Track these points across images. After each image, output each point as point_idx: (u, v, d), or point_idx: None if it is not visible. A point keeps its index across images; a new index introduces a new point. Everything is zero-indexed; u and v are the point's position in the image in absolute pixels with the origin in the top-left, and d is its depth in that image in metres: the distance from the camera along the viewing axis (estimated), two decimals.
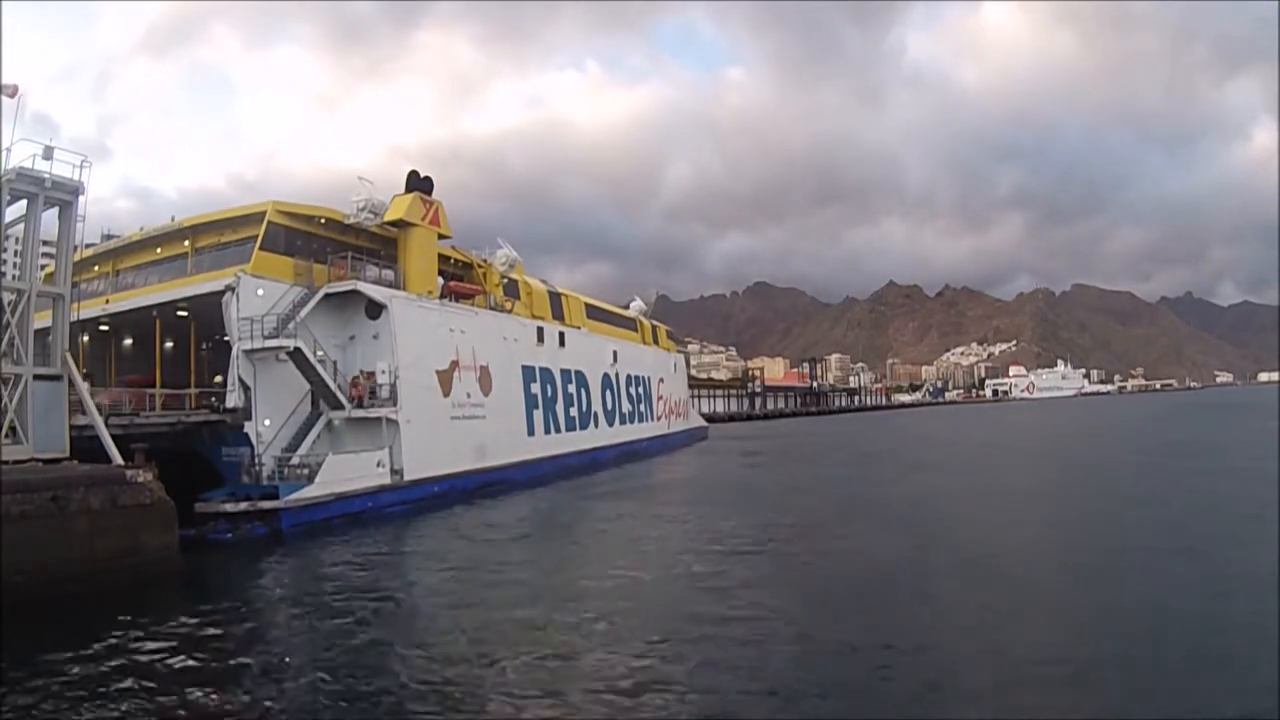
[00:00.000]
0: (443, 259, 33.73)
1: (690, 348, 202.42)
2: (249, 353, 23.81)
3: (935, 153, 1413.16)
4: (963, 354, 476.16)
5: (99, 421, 19.52)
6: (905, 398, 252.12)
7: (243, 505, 21.98)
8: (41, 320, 19.74)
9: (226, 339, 24.62)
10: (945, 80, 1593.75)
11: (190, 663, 11.12)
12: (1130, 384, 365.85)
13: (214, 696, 9.78)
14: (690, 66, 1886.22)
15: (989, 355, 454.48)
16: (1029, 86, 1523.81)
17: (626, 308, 58.99)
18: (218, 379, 26.66)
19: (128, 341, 30.73)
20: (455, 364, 30.98)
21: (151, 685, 10.19)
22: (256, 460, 23.53)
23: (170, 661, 11.15)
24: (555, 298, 43.09)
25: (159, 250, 29.02)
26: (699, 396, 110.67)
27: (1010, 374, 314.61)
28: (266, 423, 24.29)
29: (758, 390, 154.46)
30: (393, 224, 30.69)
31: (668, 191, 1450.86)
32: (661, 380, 58.83)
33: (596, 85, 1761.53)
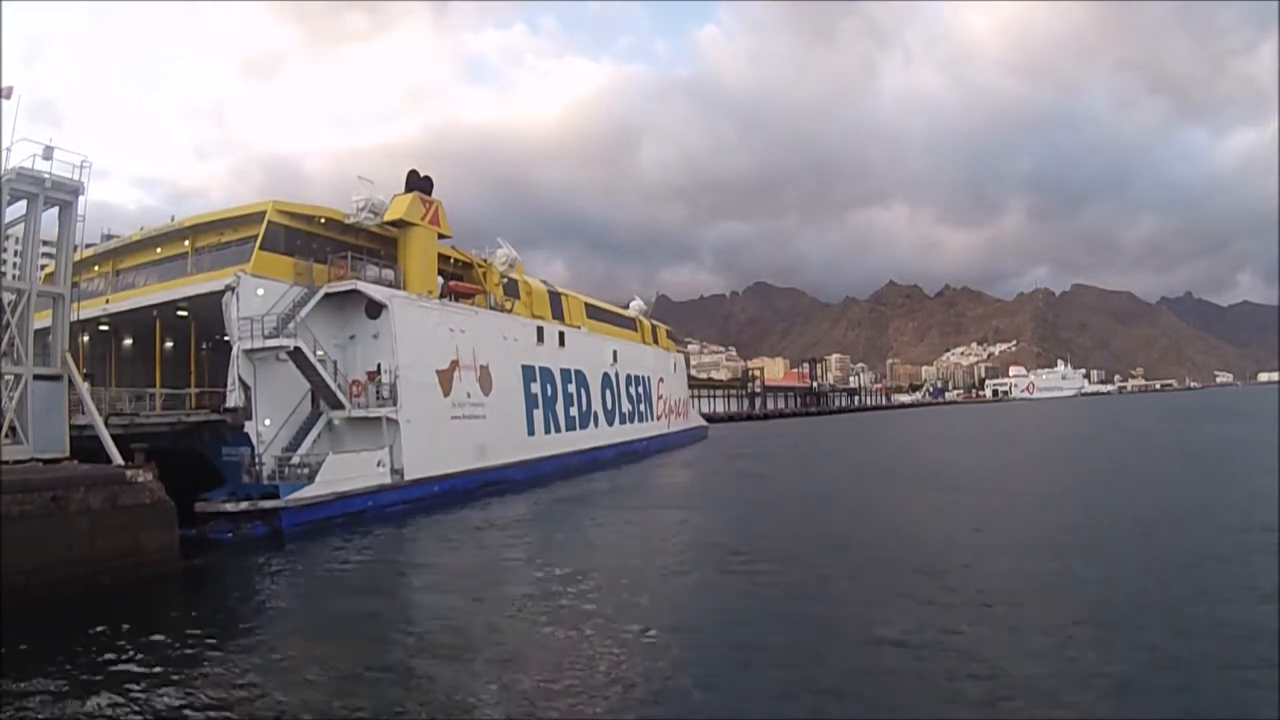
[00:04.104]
0: (443, 259, 33.72)
1: (690, 348, 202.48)
2: (249, 352, 23.79)
3: (945, 129, 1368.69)
4: (963, 354, 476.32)
5: (99, 421, 19.51)
6: (905, 398, 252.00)
7: (243, 505, 21.96)
8: (41, 320, 19.73)
9: (226, 339, 24.61)
10: (956, 27, 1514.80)
11: (190, 663, 11.10)
12: (1130, 384, 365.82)
13: (214, 697, 9.75)
14: (666, 26, 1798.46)
15: (989, 355, 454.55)
16: (1043, 42, 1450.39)
17: (626, 307, 58.99)
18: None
19: (128, 341, 30.71)
20: (455, 364, 30.97)
21: (152, 685, 10.18)
22: (257, 460, 23.50)
23: (170, 662, 11.13)
24: (555, 297, 43.07)
25: (159, 250, 29.01)
26: (699, 396, 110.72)
27: (1010, 374, 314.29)
28: (267, 422, 24.27)
29: (758, 390, 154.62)
30: (393, 224, 30.68)
31: (650, 177, 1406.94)
32: (661, 380, 58.82)
33: (552, 49, 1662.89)
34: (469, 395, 31.65)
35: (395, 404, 26.98)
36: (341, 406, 25.78)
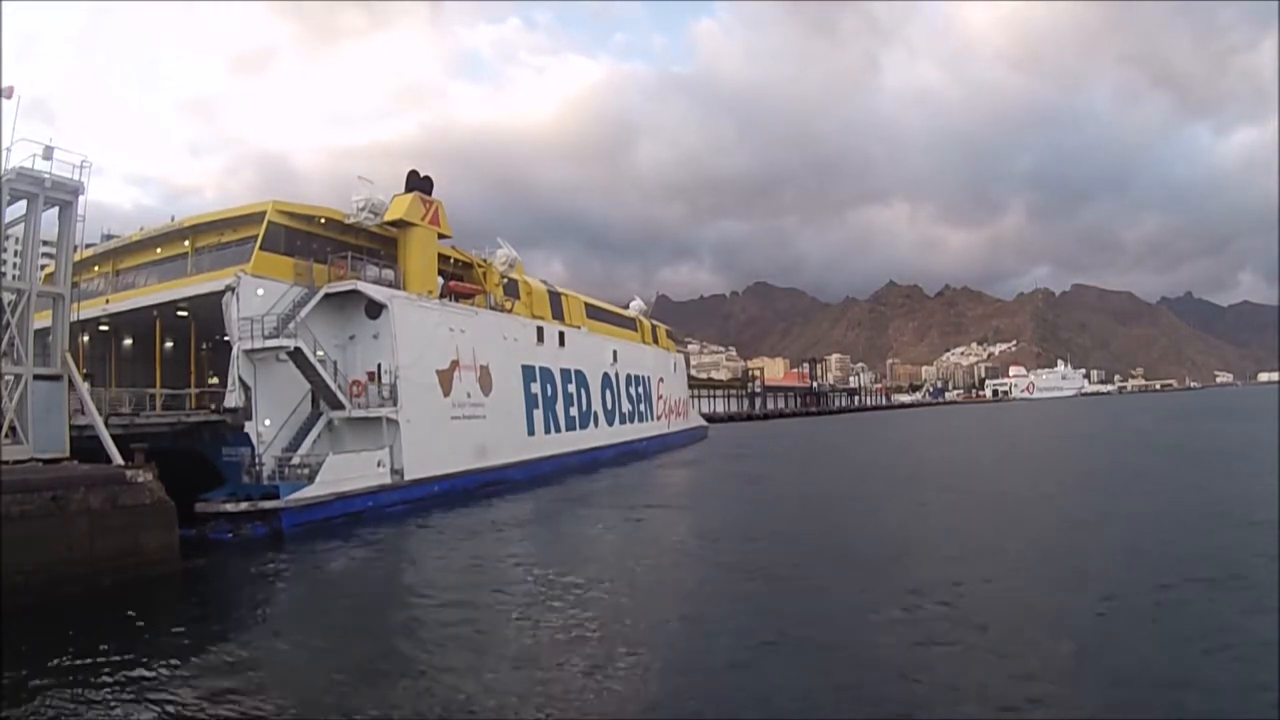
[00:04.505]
0: (443, 259, 33.72)
1: (690, 348, 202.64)
2: (249, 353, 23.78)
3: (946, 125, 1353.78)
4: (963, 354, 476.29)
5: (99, 421, 19.51)
6: (905, 398, 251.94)
7: (243, 505, 21.96)
8: (41, 320, 19.72)
9: (226, 339, 24.61)
10: (956, 21, 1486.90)
11: (190, 663, 11.10)
12: (1130, 384, 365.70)
13: (214, 697, 9.75)
14: (664, 22, 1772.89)
15: (989, 355, 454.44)
16: (1044, 37, 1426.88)
17: (626, 307, 58.99)
18: (213, 379, 26.72)
19: (128, 341, 30.72)
20: (455, 364, 30.97)
21: (151, 686, 10.19)
22: (257, 460, 23.49)
23: (170, 662, 11.13)
24: (555, 297, 43.08)
25: (159, 250, 29.01)
26: (699, 396, 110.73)
27: (1010, 374, 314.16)
28: (267, 422, 24.26)
29: (758, 390, 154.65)
30: (393, 224, 30.68)
31: (649, 176, 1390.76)
32: (661, 380, 58.81)
33: (547, 45, 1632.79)
34: (469, 395, 31.65)
35: (395, 404, 26.97)
36: (341, 406, 25.76)
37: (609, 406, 46.91)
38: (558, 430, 39.30)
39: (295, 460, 23.92)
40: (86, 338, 27.94)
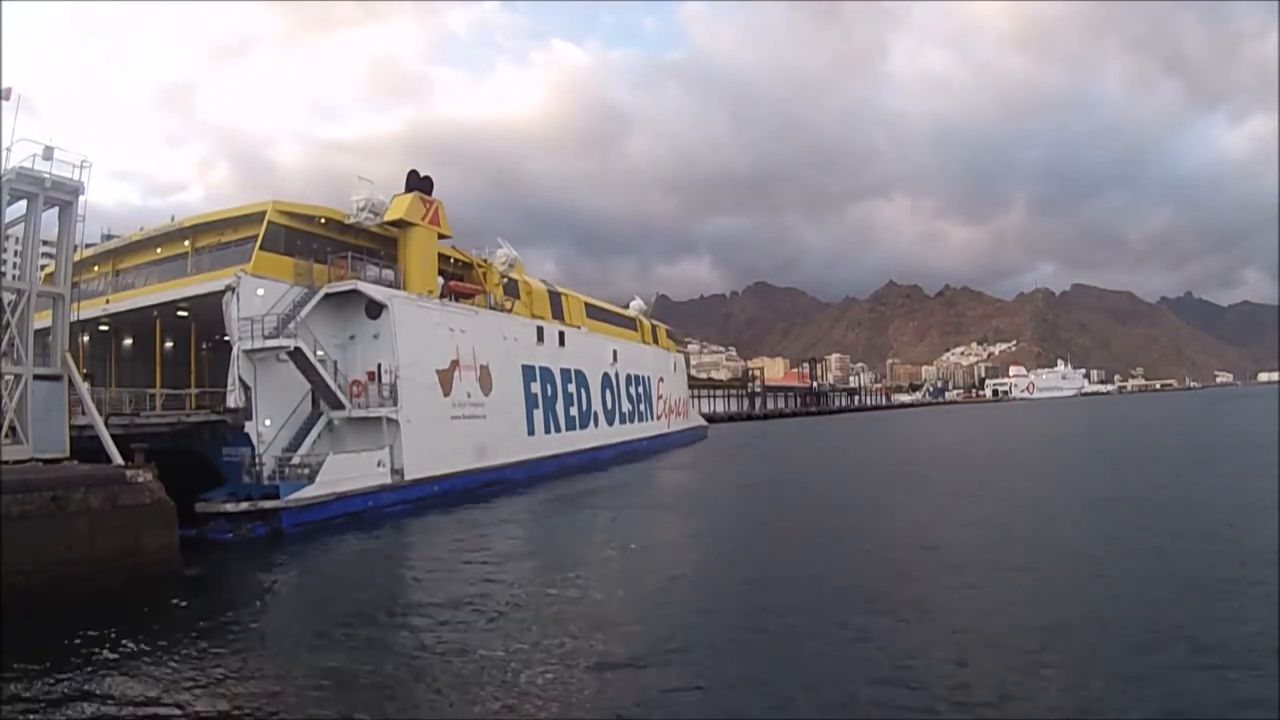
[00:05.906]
0: (443, 258, 33.73)
1: (690, 348, 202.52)
2: (249, 353, 23.79)
3: (949, 113, 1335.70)
4: (963, 354, 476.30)
5: (99, 421, 19.50)
6: (905, 398, 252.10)
7: (243, 505, 21.96)
8: (41, 320, 19.72)
9: (226, 339, 24.61)
10: (958, 5, 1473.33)
11: (190, 663, 11.09)
12: (1130, 384, 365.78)
13: (214, 698, 9.76)
14: (654, 5, 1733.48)
15: (989, 355, 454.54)
16: (1050, 20, 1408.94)
17: (626, 307, 59.01)
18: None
19: (128, 341, 30.72)
20: (455, 363, 30.98)
21: (151, 686, 10.17)
22: (257, 460, 23.49)
23: (170, 662, 11.12)
24: (555, 297, 43.10)
25: (159, 250, 29.02)
26: (699, 396, 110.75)
27: (1010, 374, 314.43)
28: (267, 422, 24.26)
29: (758, 390, 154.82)
30: (393, 224, 30.70)
31: (642, 171, 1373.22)
32: (661, 380, 58.83)
33: (530, 27, 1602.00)
34: (469, 395, 31.66)
35: (395, 404, 26.98)
36: (342, 406, 25.77)
37: (609, 406, 46.92)
38: (558, 430, 39.32)
39: (295, 460, 23.93)
40: (86, 338, 27.93)
